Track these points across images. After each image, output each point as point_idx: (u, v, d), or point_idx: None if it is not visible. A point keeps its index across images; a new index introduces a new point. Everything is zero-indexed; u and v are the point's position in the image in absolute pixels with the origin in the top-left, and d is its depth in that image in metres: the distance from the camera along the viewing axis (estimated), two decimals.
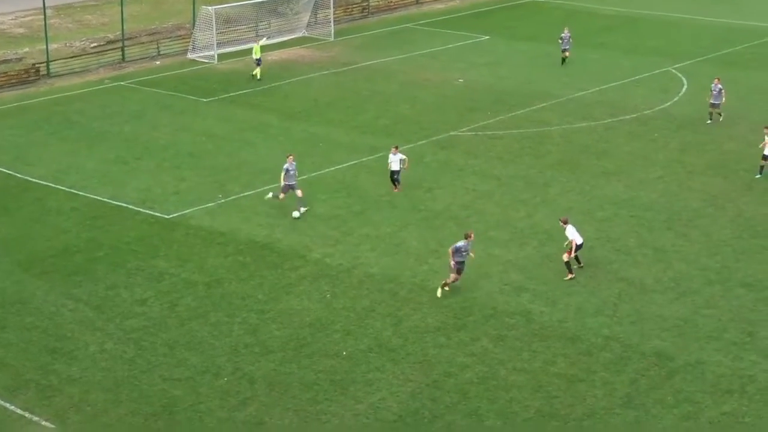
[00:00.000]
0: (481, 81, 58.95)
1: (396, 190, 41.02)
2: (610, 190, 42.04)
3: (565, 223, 34.39)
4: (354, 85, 58.13)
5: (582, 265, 34.35)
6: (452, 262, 32.62)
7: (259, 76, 58.63)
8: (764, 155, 42.54)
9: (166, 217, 39.36)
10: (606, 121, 51.24)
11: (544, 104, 54.22)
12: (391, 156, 41.16)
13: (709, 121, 49.98)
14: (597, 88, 57.10)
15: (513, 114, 52.56)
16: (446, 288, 32.79)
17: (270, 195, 39.67)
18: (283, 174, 39.25)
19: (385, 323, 31.17)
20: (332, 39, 69.46)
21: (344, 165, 44.66)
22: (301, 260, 35.53)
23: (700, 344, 29.90)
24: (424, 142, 48.14)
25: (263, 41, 63.51)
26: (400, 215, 38.93)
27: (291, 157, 39.67)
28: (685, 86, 57.15)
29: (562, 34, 61.57)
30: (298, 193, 39.09)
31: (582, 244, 33.93)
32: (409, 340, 30.15)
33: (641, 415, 26.52)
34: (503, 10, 79.71)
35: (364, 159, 45.45)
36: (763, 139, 42.79)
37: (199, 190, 42.09)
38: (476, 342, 30.09)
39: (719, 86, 49.54)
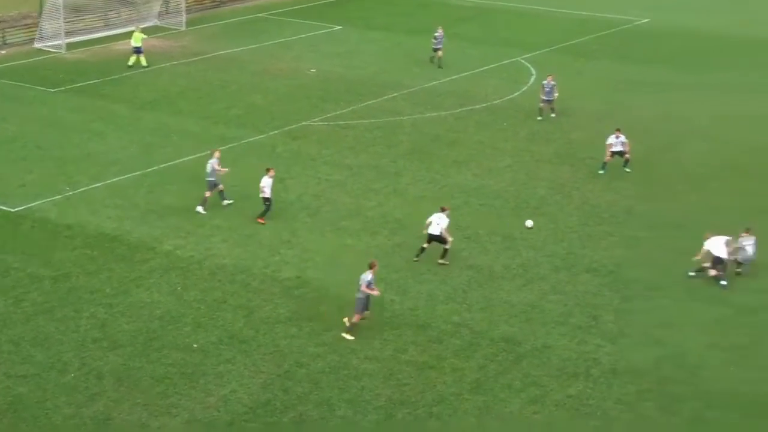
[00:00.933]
0: (334, 71, 59.03)
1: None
2: (461, 179, 42.61)
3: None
4: (205, 75, 57.57)
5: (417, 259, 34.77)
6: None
7: (145, 63, 57.80)
8: (612, 152, 43.40)
9: (12, 210, 38.36)
10: (456, 111, 51.90)
11: (396, 94, 54.60)
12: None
13: (539, 118, 50.46)
14: (448, 78, 57.76)
15: (365, 104, 52.79)
16: (349, 334, 30.07)
17: (225, 202, 38.90)
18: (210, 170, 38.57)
19: (236, 315, 31.00)
20: (184, 28, 68.63)
21: (196, 155, 44.18)
22: (151, 252, 35.07)
23: (547, 329, 30.57)
24: (276, 132, 47.99)
25: None
26: (252, 206, 38.71)
27: (217, 153, 39.17)
28: (534, 76, 58.23)
29: (436, 33, 60.30)
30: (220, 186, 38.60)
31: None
32: (261, 332, 30.05)
33: (489, 399, 26.98)
34: (356, 1, 79.90)
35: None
36: (616, 136, 43.41)
37: (45, 182, 41.14)
38: (328, 332, 30.16)
39: (552, 83, 50.18)
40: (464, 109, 52.25)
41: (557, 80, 50.38)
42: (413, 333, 30.25)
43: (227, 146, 44.86)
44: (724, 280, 33.11)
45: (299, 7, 76.77)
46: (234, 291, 32.48)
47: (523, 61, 62.05)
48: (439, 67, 59.26)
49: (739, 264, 33.97)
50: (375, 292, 29.98)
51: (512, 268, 34.58)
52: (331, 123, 49.54)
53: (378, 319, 30.89)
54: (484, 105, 52.95)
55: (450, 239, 34.51)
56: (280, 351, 29.04)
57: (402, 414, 26.37)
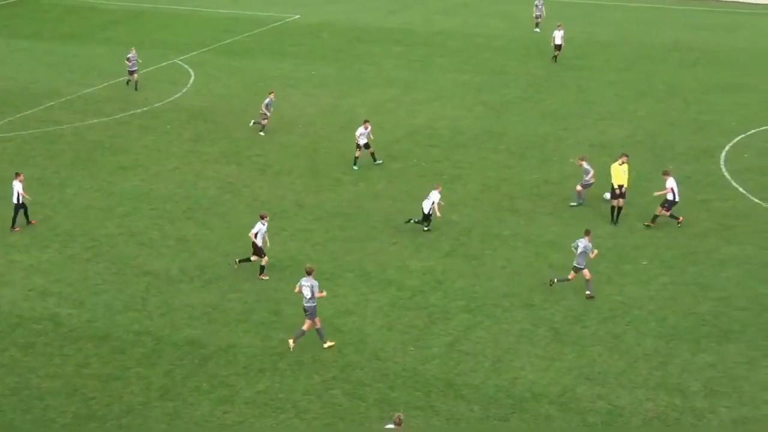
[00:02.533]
0: None
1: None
2: (128, 185, 41.93)
3: None
4: None
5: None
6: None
7: None
8: (358, 144, 43.87)
9: None
10: (118, 117, 50.97)
11: (53, 103, 52.94)
12: None
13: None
14: (106, 84, 56.61)
15: (21, 115, 50.86)
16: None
17: None
18: None
19: None
20: None
21: None
22: None
23: (230, 328, 30.68)
24: None
25: None
26: None
27: None
28: (192, 77, 58.09)
29: (129, 55, 55.68)
30: None
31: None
32: None
33: (179, 404, 26.79)
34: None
35: None
36: (365, 127, 43.93)
37: None
38: (4, 352, 28.94)
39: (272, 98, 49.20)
40: (126, 114, 51.39)
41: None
42: (94, 345, 29.53)
43: None
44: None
45: None
46: None
47: (180, 62, 61.75)
48: (136, 89, 55.26)
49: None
50: (322, 294, 29.39)
51: (189, 271, 34.43)
52: None
53: (55, 334, 29.96)
54: (146, 109, 52.31)
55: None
56: None
57: (91, 429, 25.72)
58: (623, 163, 38.65)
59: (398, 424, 23.28)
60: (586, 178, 39.89)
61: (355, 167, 44.11)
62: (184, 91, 55.66)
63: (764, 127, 49.75)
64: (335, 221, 38.75)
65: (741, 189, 41.94)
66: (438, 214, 36.78)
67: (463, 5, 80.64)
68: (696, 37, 68.27)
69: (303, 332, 29.49)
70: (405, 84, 57.53)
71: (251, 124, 48.96)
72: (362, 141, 44.05)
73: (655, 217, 38.06)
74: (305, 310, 29.32)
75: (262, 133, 48.04)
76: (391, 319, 31.40)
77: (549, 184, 42.53)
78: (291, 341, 29.52)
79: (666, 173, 38.22)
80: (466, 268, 34.77)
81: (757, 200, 40.65)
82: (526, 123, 50.11)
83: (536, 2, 71.24)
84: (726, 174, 43.48)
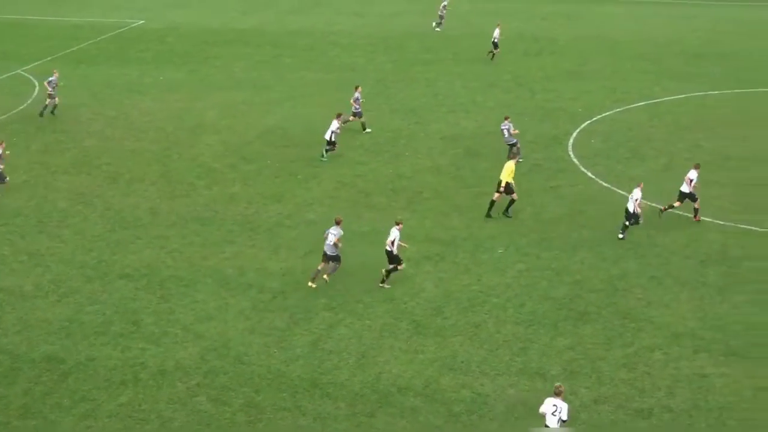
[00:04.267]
0: None
1: None
2: None
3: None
4: None
5: None
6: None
7: None
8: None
9: None
10: None
11: None
12: None
13: None
14: None
15: None
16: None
17: None
18: None
19: None
20: None
21: None
22: None
23: (89, 341, 30.06)
24: None
25: None
26: None
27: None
28: (37, 88, 56.71)
29: (50, 78, 51.47)
30: None
31: None
32: None
33: (40, 423, 26.12)
34: None
35: None
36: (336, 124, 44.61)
37: None
38: None
39: None
40: None
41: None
42: None
43: None
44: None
45: None
46: None
47: (23, 73, 60.24)
48: (52, 113, 51.74)
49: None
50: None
51: (44, 285, 33.60)
52: None
53: None
54: None
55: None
56: None
57: None
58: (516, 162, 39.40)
59: None
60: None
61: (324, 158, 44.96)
62: (29, 102, 54.30)
63: (608, 113, 51.17)
64: (191, 226, 38.34)
65: (589, 174, 43.02)
66: (396, 251, 33.70)
67: (314, 4, 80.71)
68: (539, 26, 69.74)
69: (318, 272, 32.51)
70: (255, 85, 57.33)
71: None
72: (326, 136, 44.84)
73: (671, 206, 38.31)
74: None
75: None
76: (252, 322, 31.23)
77: (403, 178, 42.91)
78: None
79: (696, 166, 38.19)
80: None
81: (605, 184, 41.74)
82: (377, 119, 50.45)
83: (444, 2, 71.52)
84: (574, 160, 44.53)
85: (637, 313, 31.53)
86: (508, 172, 38.57)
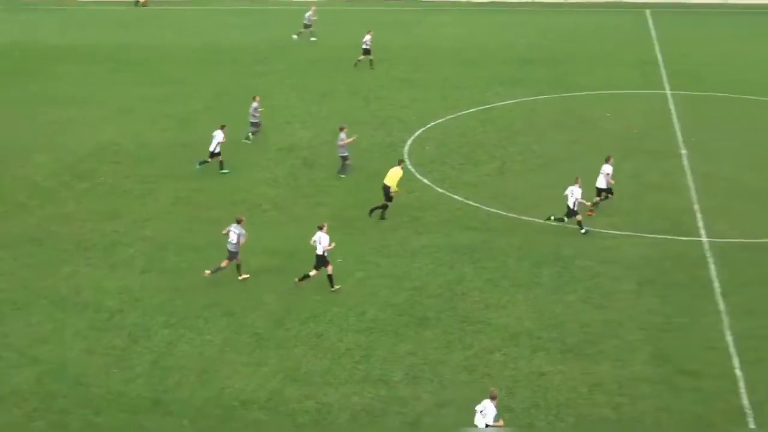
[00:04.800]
0: None
1: None
2: None
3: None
4: None
5: None
6: None
7: None
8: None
9: None
10: None
11: None
12: None
13: None
14: None
15: None
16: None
17: None
18: None
19: None
20: None
21: None
22: None
23: None
24: None
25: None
26: None
27: None
28: None
29: None
30: None
31: None
32: None
33: None
34: None
35: None
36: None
37: None
38: None
39: None
40: None
41: None
42: None
43: None
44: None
45: None
46: None
47: None
48: None
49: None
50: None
51: None
52: None
53: None
54: None
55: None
56: None
57: None
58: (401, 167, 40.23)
59: None
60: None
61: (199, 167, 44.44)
62: None
63: (441, 120, 51.95)
64: (24, 247, 37.33)
65: (425, 180, 43.61)
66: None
67: (145, 19, 79.45)
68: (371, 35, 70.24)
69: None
70: (87, 101, 56.12)
71: None
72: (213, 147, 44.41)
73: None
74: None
75: None
76: (90, 342, 30.61)
77: (241, 191, 42.71)
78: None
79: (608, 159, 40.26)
80: (163, 283, 34.38)
81: (441, 190, 42.37)
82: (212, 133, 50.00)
83: (307, 13, 70.74)
84: (410, 167, 45.05)
85: (476, 315, 32.12)
86: (394, 178, 39.33)
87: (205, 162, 44.68)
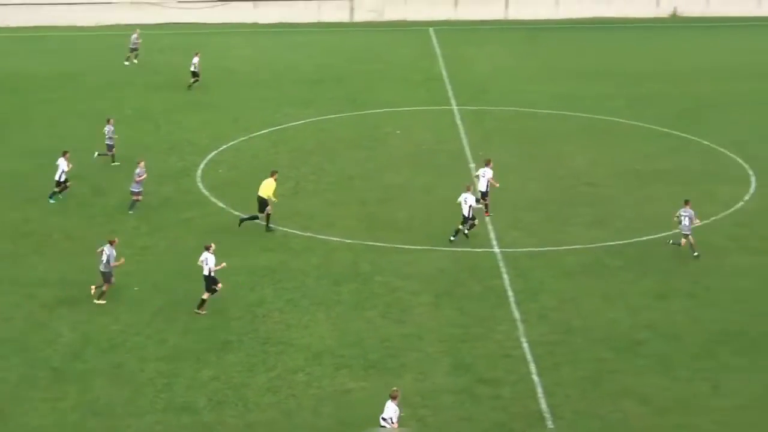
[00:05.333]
0: None
1: None
2: None
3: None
4: None
5: None
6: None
7: None
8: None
9: None
10: None
11: None
12: None
13: None
14: None
15: None
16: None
17: None
18: None
19: None
20: None
21: None
22: None
23: None
24: None
25: None
26: None
27: None
28: None
29: None
30: None
31: None
32: None
33: None
34: None
35: None
36: None
37: None
38: None
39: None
40: None
41: None
42: None
43: None
44: None
45: None
46: None
47: None
48: None
49: None
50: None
51: None
52: None
53: None
54: None
55: None
56: None
57: None
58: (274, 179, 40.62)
59: None
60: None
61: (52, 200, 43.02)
62: None
63: (233, 142, 51.77)
64: None
65: (220, 204, 43.36)
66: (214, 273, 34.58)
67: None
68: (158, 59, 69.35)
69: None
70: None
71: None
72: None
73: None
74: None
75: None
76: None
77: (30, 222, 41.42)
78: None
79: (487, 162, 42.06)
80: None
81: (236, 213, 42.18)
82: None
83: (133, 35, 68.42)
84: (204, 191, 44.73)
85: (278, 336, 32.16)
86: (268, 189, 39.94)
87: (55, 193, 43.12)
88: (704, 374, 29.91)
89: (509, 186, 44.93)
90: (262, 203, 40.14)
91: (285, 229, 40.22)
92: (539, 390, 29.11)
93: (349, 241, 39.44)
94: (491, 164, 42.12)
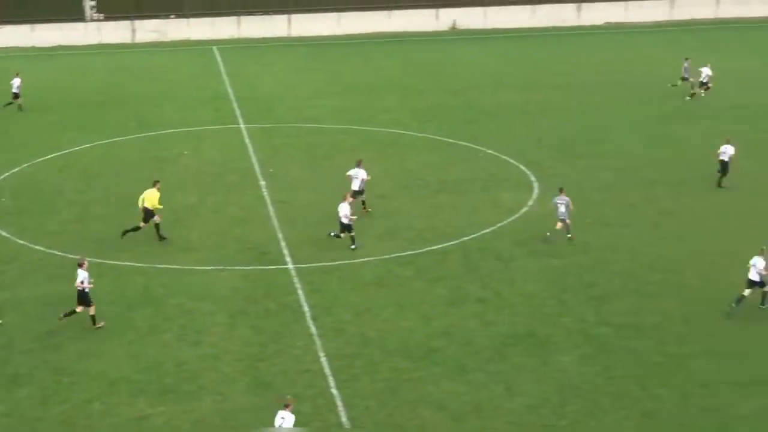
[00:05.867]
0: None
1: None
2: None
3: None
4: None
5: None
6: None
7: None
8: None
9: None
10: None
11: None
12: None
13: None
14: None
15: None
16: None
17: None
18: None
19: None
20: None
21: None
22: None
23: None
24: None
25: None
26: None
27: None
28: None
29: None
30: None
31: None
32: None
33: None
34: None
35: None
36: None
37: None
38: None
39: None
40: None
41: None
42: None
43: None
44: None
45: None
46: None
47: None
48: None
49: None
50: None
51: None
52: None
53: None
54: None
55: None
56: None
57: None
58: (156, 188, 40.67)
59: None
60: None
61: None
62: None
63: (17, 169, 50.30)
64: None
65: (3, 233, 42.00)
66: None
67: None
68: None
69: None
70: None
71: None
72: None
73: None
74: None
75: None
76: None
77: None
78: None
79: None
80: None
81: (21, 241, 40.95)
82: None
83: None
84: None
85: (71, 367, 31.36)
86: (153, 199, 40.05)
87: None
88: (497, 377, 30.78)
89: (299, 202, 45.20)
90: (148, 213, 40.26)
91: (74, 257, 39.20)
92: (339, 403, 29.35)
93: (140, 264, 38.84)
94: (362, 164, 43.55)
